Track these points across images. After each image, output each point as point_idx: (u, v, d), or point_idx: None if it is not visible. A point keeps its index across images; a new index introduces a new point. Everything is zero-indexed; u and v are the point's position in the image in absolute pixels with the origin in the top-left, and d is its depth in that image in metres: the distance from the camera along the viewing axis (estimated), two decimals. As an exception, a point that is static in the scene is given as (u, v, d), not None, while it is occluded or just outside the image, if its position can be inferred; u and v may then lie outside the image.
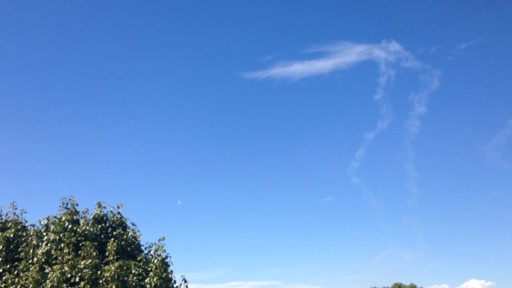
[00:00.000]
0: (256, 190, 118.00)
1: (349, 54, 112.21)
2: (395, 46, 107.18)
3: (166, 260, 25.27)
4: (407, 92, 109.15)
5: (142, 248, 27.30)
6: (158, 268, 24.55)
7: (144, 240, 27.42)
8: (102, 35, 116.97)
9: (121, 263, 23.99)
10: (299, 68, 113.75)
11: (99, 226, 27.46)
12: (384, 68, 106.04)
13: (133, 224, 27.93)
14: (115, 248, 24.67)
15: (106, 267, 23.97)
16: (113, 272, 23.51)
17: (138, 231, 27.47)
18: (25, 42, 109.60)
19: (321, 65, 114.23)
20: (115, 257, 24.65)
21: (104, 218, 28.09)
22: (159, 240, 25.76)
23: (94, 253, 24.36)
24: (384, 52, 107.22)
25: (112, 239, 25.72)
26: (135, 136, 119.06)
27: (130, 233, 27.21)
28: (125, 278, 24.54)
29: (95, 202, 28.26)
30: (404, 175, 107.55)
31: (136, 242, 26.94)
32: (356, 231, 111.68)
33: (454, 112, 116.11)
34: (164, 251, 25.49)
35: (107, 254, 24.82)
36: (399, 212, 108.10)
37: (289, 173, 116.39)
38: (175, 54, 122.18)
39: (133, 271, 24.45)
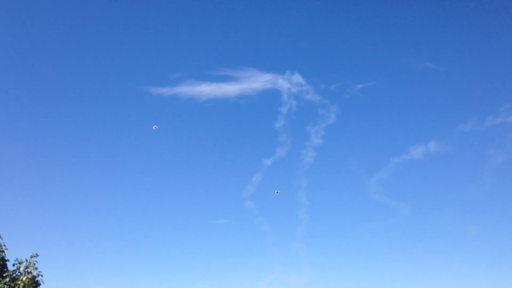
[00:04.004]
0: (149, 209, 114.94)
1: (256, 81, 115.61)
2: (298, 78, 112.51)
3: (37, 279, 23.47)
4: (306, 123, 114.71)
5: (10, 264, 25.09)
6: (27, 286, 22.69)
7: (14, 256, 25.24)
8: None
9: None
10: (206, 89, 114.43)
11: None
12: (287, 98, 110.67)
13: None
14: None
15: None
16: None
17: (4, 245, 25.24)
18: None
19: (228, 89, 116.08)
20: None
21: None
22: (31, 256, 23.94)
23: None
24: (288, 83, 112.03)
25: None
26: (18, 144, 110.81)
27: (-3, 247, 24.93)
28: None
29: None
30: (296, 202, 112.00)
31: (1, 256, 24.66)
32: (247, 254, 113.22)
33: (345, 146, 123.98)
34: (36, 268, 23.69)
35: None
36: (289, 238, 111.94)
37: (186, 193, 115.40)
38: (76, 60, 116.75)
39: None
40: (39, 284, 23.67)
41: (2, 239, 25.66)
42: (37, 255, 23.96)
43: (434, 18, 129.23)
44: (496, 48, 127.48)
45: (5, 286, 22.92)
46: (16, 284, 23.01)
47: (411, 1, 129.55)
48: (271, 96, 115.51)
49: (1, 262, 24.73)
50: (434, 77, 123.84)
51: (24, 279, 23.05)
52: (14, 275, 24.32)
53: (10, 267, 24.96)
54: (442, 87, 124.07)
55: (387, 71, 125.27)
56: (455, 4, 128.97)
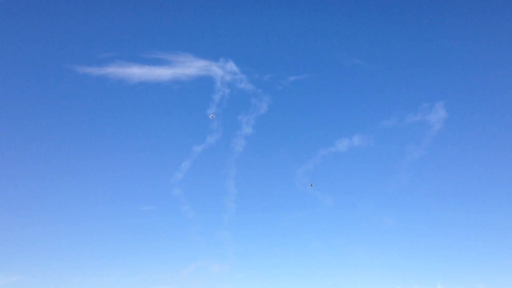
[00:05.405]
0: (71, 193, 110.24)
1: (190, 66, 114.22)
2: (232, 66, 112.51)
3: None
4: (238, 112, 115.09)
5: None
6: None
7: None
8: None
9: None
10: (137, 72, 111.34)
11: None
12: (220, 85, 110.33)
13: None
14: None
15: None
16: None
17: None
18: None
19: (161, 73, 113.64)
20: None
21: None
22: None
23: None
24: (222, 70, 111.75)
25: None
26: None
27: None
28: None
29: None
30: (224, 190, 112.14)
31: None
32: (172, 242, 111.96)
33: (275, 137, 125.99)
34: None
35: None
36: (215, 226, 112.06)
37: (110, 178, 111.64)
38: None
39: None
40: None
41: None
42: None
43: (366, 17, 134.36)
44: (419, 50, 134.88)
45: None
46: None
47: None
48: (204, 82, 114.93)
49: None
50: (362, 73, 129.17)
51: None
52: None
53: None
54: (369, 84, 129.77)
55: (319, 65, 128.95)
56: (387, 4, 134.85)
